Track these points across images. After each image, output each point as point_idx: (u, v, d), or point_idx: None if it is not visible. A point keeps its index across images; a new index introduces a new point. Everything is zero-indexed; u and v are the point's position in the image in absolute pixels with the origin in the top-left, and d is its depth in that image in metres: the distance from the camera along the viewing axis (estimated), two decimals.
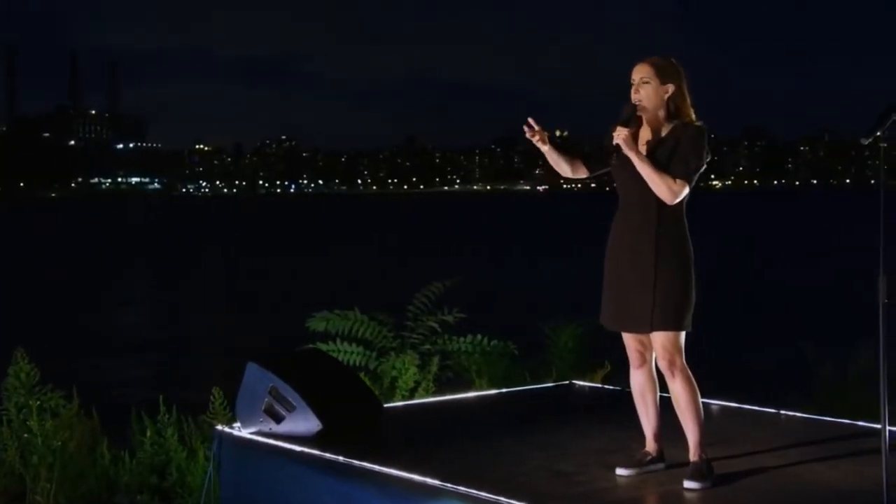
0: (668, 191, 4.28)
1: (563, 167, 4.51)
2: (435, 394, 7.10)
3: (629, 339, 4.52)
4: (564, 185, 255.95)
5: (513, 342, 8.09)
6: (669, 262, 4.33)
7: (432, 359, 7.46)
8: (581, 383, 6.75)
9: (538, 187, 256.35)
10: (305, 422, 5.08)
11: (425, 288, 8.10)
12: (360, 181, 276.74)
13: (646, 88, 4.36)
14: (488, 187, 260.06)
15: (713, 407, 5.73)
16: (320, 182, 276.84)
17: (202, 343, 15.49)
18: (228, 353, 13.56)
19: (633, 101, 4.38)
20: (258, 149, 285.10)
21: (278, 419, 5.16)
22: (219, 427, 5.43)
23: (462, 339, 7.93)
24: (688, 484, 4.27)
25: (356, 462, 4.66)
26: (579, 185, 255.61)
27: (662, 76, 4.36)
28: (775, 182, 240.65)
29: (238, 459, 5.23)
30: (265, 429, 5.20)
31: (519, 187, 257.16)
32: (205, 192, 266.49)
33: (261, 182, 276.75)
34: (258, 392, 5.21)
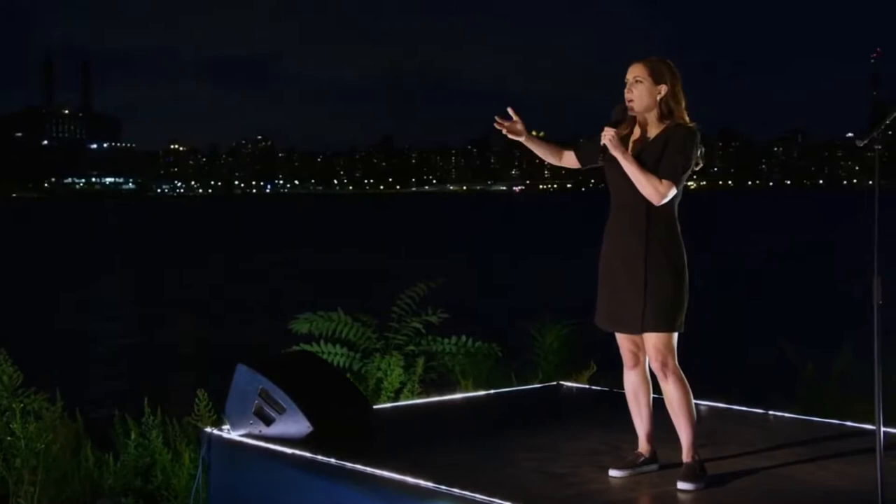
0: (654, 191, 4.27)
1: (549, 156, 4.52)
2: (420, 395, 7.09)
3: (623, 340, 4.51)
4: (541, 186, 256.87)
5: (497, 343, 8.09)
6: (660, 263, 4.33)
7: (417, 360, 7.45)
8: (568, 384, 6.75)
9: (514, 187, 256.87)
10: (296, 424, 5.05)
11: (409, 289, 8.08)
12: (336, 181, 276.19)
13: (638, 88, 4.35)
14: (464, 187, 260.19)
15: (701, 408, 5.73)
16: (296, 182, 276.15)
17: (184, 345, 15.40)
18: (211, 355, 13.49)
19: (621, 104, 4.37)
20: (234, 149, 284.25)
21: (268, 421, 5.13)
22: (207, 429, 5.39)
23: (446, 340, 7.92)
24: (681, 485, 4.27)
25: (348, 464, 4.63)
26: (556, 186, 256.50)
27: (656, 76, 4.35)
28: (749, 183, 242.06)
29: (227, 462, 5.19)
30: (255, 431, 5.16)
31: (495, 187, 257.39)
32: (180, 192, 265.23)
33: (236, 182, 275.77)
34: (248, 394, 5.18)
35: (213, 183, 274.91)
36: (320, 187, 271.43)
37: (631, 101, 4.35)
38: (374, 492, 4.51)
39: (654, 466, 4.53)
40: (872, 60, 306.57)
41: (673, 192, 4.30)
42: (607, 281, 4.46)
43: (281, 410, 5.10)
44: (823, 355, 7.90)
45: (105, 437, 6.47)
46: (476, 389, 7.04)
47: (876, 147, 3.60)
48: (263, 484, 5.02)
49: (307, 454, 4.81)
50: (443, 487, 4.27)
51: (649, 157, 4.32)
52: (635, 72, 4.37)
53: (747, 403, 6.05)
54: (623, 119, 4.35)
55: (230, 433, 5.26)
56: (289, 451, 4.90)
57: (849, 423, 5.45)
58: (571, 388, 6.67)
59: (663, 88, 4.37)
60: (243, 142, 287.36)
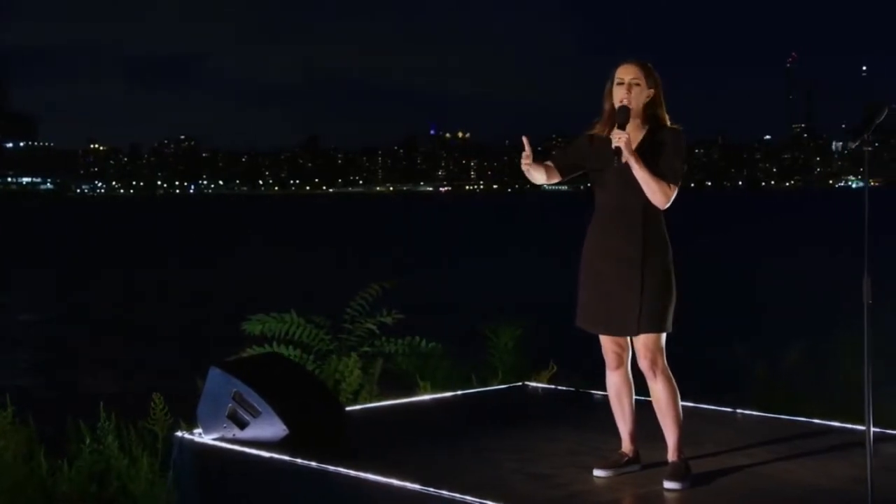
0: (663, 195, 4.29)
1: (538, 178, 4.45)
2: (378, 397, 7.03)
3: (607, 342, 4.51)
4: (467, 187, 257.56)
5: (448, 343, 8.06)
6: (655, 264, 4.35)
7: (375, 361, 7.39)
8: (534, 384, 6.76)
9: (440, 188, 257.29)
10: (271, 427, 4.97)
11: (363, 290, 8.02)
12: (261, 182, 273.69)
13: (635, 90, 4.35)
14: (391, 188, 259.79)
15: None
16: (220, 183, 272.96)
17: (135, 350, 15.13)
18: (163, 359, 13.27)
19: (622, 102, 4.35)
20: (156, 149, 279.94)
21: (242, 425, 5.04)
22: (178, 433, 5.28)
23: (399, 340, 7.87)
24: (667, 484, 4.29)
25: (331, 467, 4.57)
26: (482, 186, 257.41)
27: (647, 79, 4.36)
28: None
29: (200, 466, 5.09)
30: (228, 435, 5.07)
31: (421, 188, 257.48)
32: (100, 192, 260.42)
33: (159, 183, 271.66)
34: (221, 397, 5.08)
35: (134, 183, 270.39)
36: (245, 188, 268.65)
37: (629, 102, 4.34)
38: (357, 495, 4.46)
39: (637, 466, 4.55)
40: (788, 64, 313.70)
41: (675, 194, 4.33)
42: (595, 283, 4.44)
43: (255, 413, 5.01)
44: (772, 354, 8.03)
45: (58, 443, 6.31)
46: (434, 391, 7.01)
47: (866, 148, 3.65)
48: (239, 488, 4.94)
49: (286, 458, 4.74)
50: (431, 490, 4.23)
51: (644, 160, 4.32)
52: (632, 73, 4.36)
53: (702, 403, 6.11)
54: (627, 121, 4.34)
55: (202, 437, 5.16)
56: (266, 454, 4.82)
57: (816, 421, 5.55)
58: (537, 388, 6.67)
59: (652, 91, 4.38)
60: (166, 142, 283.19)
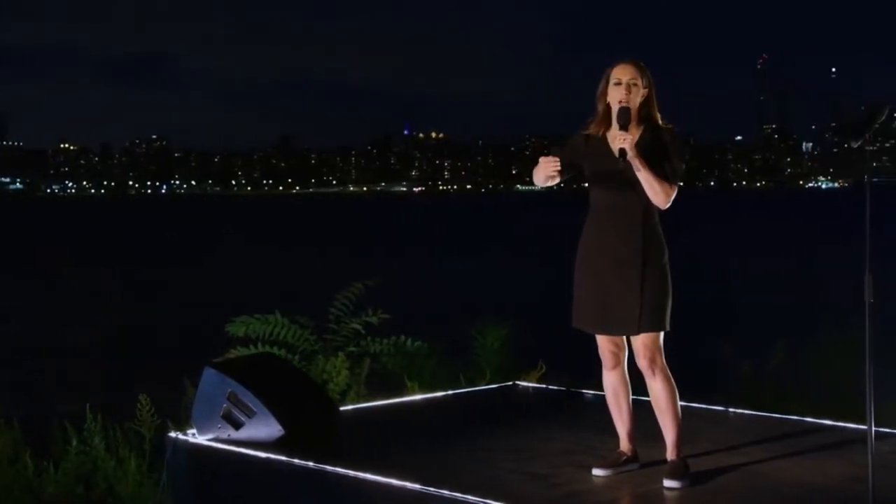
0: (665, 195, 4.30)
1: (541, 179, 4.42)
2: (366, 397, 7.01)
3: (604, 341, 4.52)
4: (441, 187, 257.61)
5: (433, 343, 8.05)
6: (653, 264, 4.36)
7: (362, 361, 7.37)
8: (524, 384, 6.76)
9: (414, 188, 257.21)
10: (267, 427, 4.94)
11: (346, 289, 7.99)
12: (234, 182, 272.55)
13: (633, 90, 4.36)
14: (364, 188, 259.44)
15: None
16: (193, 183, 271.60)
17: (120, 351, 15.01)
18: (149, 360, 13.15)
19: (622, 103, 4.36)
20: (127, 149, 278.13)
21: (237, 425, 5.01)
22: (172, 434, 5.24)
23: (385, 340, 7.85)
24: (667, 483, 4.30)
25: (329, 468, 4.55)
26: (455, 186, 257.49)
27: (644, 79, 4.37)
28: None
29: (194, 467, 5.06)
30: (223, 435, 5.04)
31: (395, 188, 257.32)
32: (71, 192, 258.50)
33: (131, 183, 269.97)
34: (216, 398, 5.05)
35: (105, 183, 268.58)
36: (218, 188, 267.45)
37: (628, 102, 4.35)
38: (356, 495, 4.45)
39: (635, 465, 4.56)
40: (759, 66, 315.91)
41: (675, 193, 4.34)
42: (593, 282, 4.44)
43: (251, 414, 4.99)
44: (756, 353, 8.08)
45: (44, 444, 6.26)
46: (423, 391, 6.99)
47: (868, 148, 3.68)
48: (234, 489, 4.91)
49: (283, 458, 4.72)
50: (432, 490, 4.22)
51: (643, 160, 4.32)
52: (630, 73, 4.36)
53: (692, 402, 6.14)
54: (629, 121, 4.34)
55: (196, 438, 5.12)
56: (263, 454, 4.80)
57: (808, 419, 5.58)
58: (528, 387, 6.68)
59: (646, 91, 4.39)
60: (137, 141, 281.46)
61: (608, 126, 4.45)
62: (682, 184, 4.41)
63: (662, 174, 4.31)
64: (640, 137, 4.40)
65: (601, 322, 4.44)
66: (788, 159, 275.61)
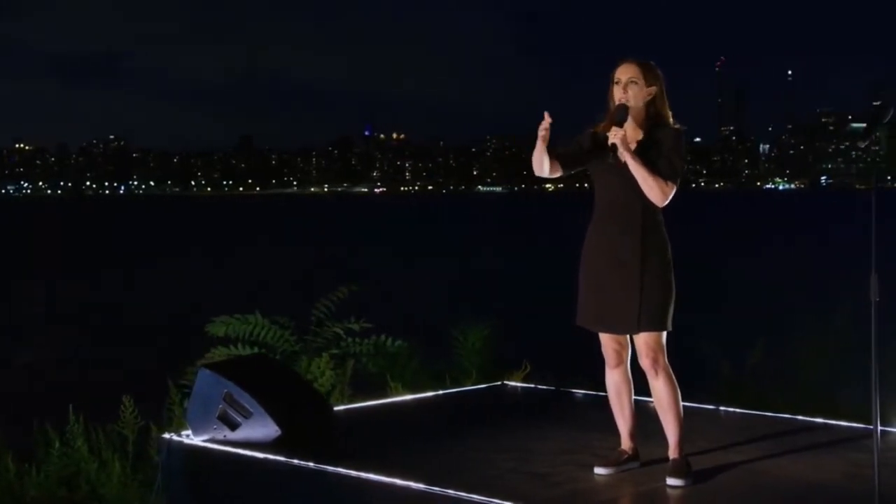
0: (661, 192, 4.31)
1: (545, 165, 4.40)
2: (350, 398, 6.99)
3: (607, 340, 4.53)
4: (402, 188, 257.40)
5: (413, 344, 8.04)
6: (654, 263, 4.37)
7: (346, 362, 7.34)
8: (513, 384, 6.76)
9: (375, 189, 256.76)
10: (263, 428, 4.90)
11: (330, 293, 7.95)
12: (193, 183, 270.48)
13: (633, 88, 4.36)
14: (326, 189, 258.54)
15: (651, 405, 5.81)
16: (152, 184, 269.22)
17: (99, 353, 14.85)
18: (128, 363, 13.00)
19: (620, 101, 4.37)
20: (84, 149, 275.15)
21: (233, 426, 4.97)
22: (166, 435, 5.19)
23: (365, 340, 7.82)
24: (670, 481, 4.31)
25: (330, 468, 4.52)
26: (417, 187, 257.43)
27: (648, 78, 4.38)
28: None
29: (190, 469, 5.01)
30: (219, 436, 4.99)
31: (357, 189, 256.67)
32: (26, 192, 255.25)
33: (88, 183, 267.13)
34: (211, 399, 5.01)
35: (62, 184, 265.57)
36: (177, 189, 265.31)
37: (628, 101, 4.36)
38: (358, 496, 4.42)
39: (636, 464, 4.57)
40: (717, 69, 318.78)
41: (674, 192, 4.35)
42: (595, 281, 4.45)
43: (247, 414, 4.94)
44: (734, 353, 8.14)
45: (26, 447, 6.18)
46: (407, 392, 6.97)
47: (874, 148, 3.71)
48: (231, 490, 4.86)
49: (282, 458, 4.68)
50: (436, 489, 4.21)
51: (644, 158, 4.34)
52: (630, 72, 4.38)
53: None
54: (625, 119, 4.35)
55: (192, 439, 5.07)
56: (261, 455, 4.76)
57: (800, 417, 5.62)
58: (516, 387, 6.68)
59: (653, 90, 4.40)
60: (94, 141, 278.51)
61: (611, 125, 4.46)
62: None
63: (658, 171, 4.32)
64: (645, 135, 4.41)
65: (603, 320, 4.45)
66: (746, 161, 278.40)
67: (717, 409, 5.87)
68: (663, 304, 4.36)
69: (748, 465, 4.63)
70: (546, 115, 4.28)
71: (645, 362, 4.39)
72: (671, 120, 4.46)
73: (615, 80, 4.39)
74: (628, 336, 4.50)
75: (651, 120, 4.43)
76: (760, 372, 7.85)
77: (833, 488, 4.32)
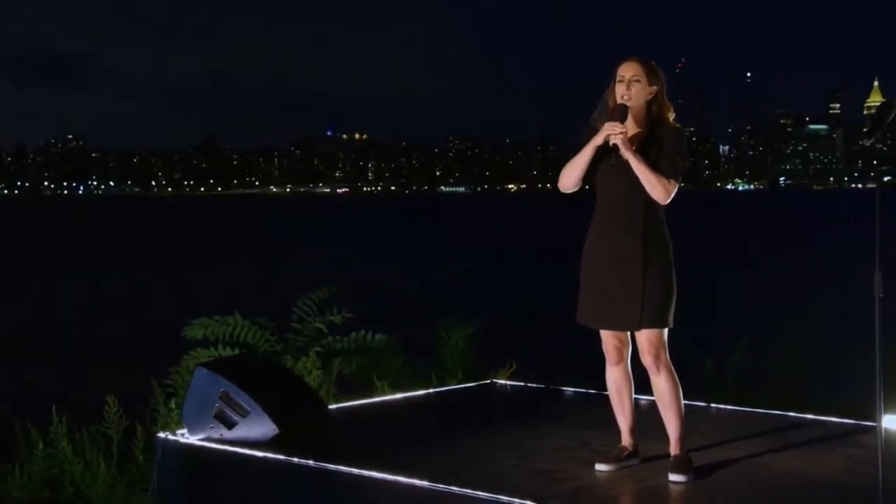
0: (664, 191, 4.34)
1: (580, 176, 4.43)
2: (336, 397, 6.97)
3: (608, 337, 4.55)
4: (365, 189, 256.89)
5: (396, 340, 8.03)
6: (655, 261, 4.39)
7: (332, 360, 7.31)
8: (502, 382, 6.77)
9: (338, 189, 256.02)
10: (260, 426, 4.88)
11: (310, 292, 7.92)
12: (154, 183, 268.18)
13: (635, 87, 4.39)
14: (288, 189, 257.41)
15: (642, 402, 5.85)
16: (111, 184, 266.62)
17: (78, 353, 14.70)
18: (108, 364, 12.88)
19: (622, 97, 4.40)
20: (42, 148, 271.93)
21: (230, 425, 4.94)
22: (161, 434, 5.15)
23: (346, 338, 7.80)
24: (673, 477, 4.34)
25: (331, 466, 4.51)
26: (380, 187, 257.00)
27: (650, 77, 4.41)
28: None
29: (187, 468, 4.97)
30: (215, 435, 4.96)
31: (319, 189, 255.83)
32: None
33: (46, 183, 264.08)
34: (208, 397, 4.97)
35: (19, 184, 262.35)
36: (137, 189, 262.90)
37: (629, 99, 4.39)
38: (360, 494, 4.41)
39: (637, 460, 4.60)
40: (678, 70, 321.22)
41: (676, 190, 4.38)
42: (596, 278, 4.47)
43: (244, 413, 4.92)
44: (715, 352, 8.22)
45: (8, 448, 6.11)
46: (393, 391, 6.96)
47: (878, 146, 3.76)
48: (228, 489, 4.83)
49: (281, 457, 4.66)
50: (441, 486, 4.21)
51: (646, 157, 4.37)
52: (632, 70, 4.41)
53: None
54: (625, 117, 4.38)
55: (188, 438, 5.03)
56: (260, 454, 4.73)
57: (791, 414, 5.68)
58: (506, 385, 6.69)
59: (655, 89, 4.44)
60: (53, 141, 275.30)
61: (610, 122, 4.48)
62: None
63: (660, 169, 4.35)
64: (645, 134, 4.44)
65: (604, 317, 4.48)
66: (706, 161, 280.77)
67: (709, 407, 5.92)
68: (665, 302, 4.39)
69: (746, 462, 4.67)
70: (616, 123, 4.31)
71: (647, 359, 4.42)
72: (671, 119, 4.49)
73: (618, 78, 4.42)
74: (628, 333, 4.53)
75: (652, 118, 4.46)
76: (743, 370, 7.93)
77: (832, 484, 4.37)
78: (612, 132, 4.32)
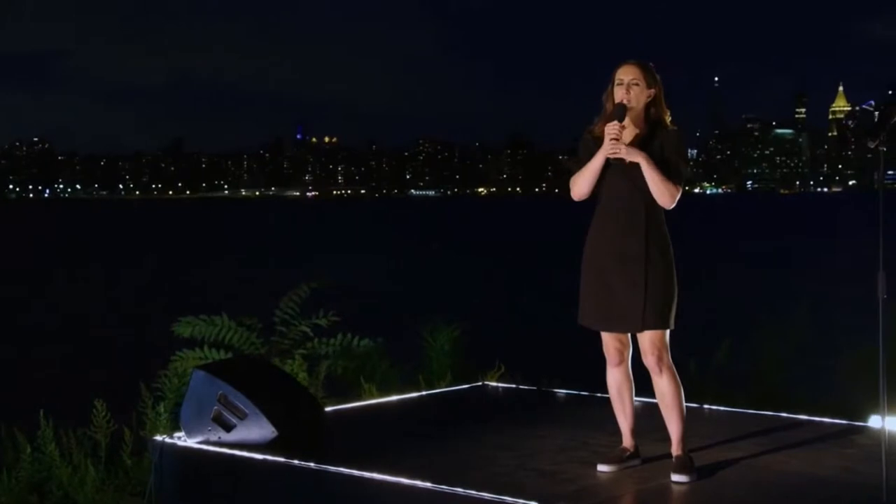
0: (671, 196, 4.37)
1: (593, 182, 4.45)
2: (324, 399, 6.94)
3: (609, 338, 4.56)
4: (334, 192, 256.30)
5: (380, 345, 8.01)
6: (658, 263, 4.41)
7: (319, 363, 7.29)
8: (493, 384, 6.77)
9: (307, 193, 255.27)
10: (259, 429, 4.85)
11: (291, 291, 7.87)
12: (121, 186, 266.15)
13: (634, 90, 4.41)
14: (257, 193, 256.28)
15: (637, 404, 5.86)
16: (78, 187, 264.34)
17: (64, 357, 14.58)
18: (96, 366, 12.78)
19: (621, 102, 4.41)
20: (6, 151, 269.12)
21: (228, 427, 4.91)
22: (159, 437, 5.11)
23: (331, 340, 7.77)
24: (676, 477, 4.36)
25: (332, 468, 4.49)
26: (349, 191, 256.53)
27: (648, 80, 4.43)
28: (536, 189, 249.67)
29: (185, 471, 4.94)
30: (213, 438, 4.93)
31: (288, 193, 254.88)
32: None
33: (11, 186, 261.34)
34: (206, 400, 4.94)
35: None
36: (104, 192, 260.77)
37: (629, 101, 4.41)
38: (361, 496, 4.39)
39: (638, 461, 4.61)
40: None
41: (679, 196, 4.41)
42: (598, 279, 4.48)
43: (242, 416, 4.89)
44: (697, 353, 8.27)
45: None
46: (380, 394, 6.94)
47: (881, 149, 3.80)
48: (227, 492, 4.80)
49: (281, 459, 4.63)
50: (444, 488, 4.20)
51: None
52: (631, 73, 4.42)
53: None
54: (623, 117, 4.39)
55: (185, 441, 5.00)
56: (259, 456, 4.70)
57: (784, 414, 5.71)
58: (497, 387, 6.69)
59: (653, 92, 4.46)
60: (17, 143, 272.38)
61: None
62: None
63: (667, 174, 4.38)
64: (645, 137, 4.46)
65: (606, 319, 4.49)
66: None
67: (702, 408, 5.95)
68: (667, 303, 4.41)
69: (746, 462, 4.70)
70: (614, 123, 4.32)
71: (649, 360, 4.44)
72: (669, 121, 4.51)
73: (617, 81, 4.44)
74: (629, 334, 4.55)
75: (651, 121, 4.48)
76: (726, 371, 7.98)
77: (832, 483, 4.40)
78: (612, 132, 4.33)
